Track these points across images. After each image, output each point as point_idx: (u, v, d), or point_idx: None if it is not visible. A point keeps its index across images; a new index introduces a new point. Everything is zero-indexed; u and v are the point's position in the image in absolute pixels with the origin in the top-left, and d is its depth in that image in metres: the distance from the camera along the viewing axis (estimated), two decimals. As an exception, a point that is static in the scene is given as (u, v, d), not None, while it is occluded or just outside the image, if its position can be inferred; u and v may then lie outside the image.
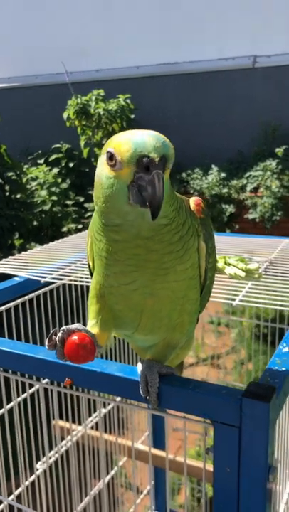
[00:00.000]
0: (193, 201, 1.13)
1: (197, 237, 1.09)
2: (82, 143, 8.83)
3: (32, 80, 10.74)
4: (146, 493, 2.72)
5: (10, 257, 2.13)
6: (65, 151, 10.06)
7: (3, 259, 2.09)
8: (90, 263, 1.20)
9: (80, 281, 1.81)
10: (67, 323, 2.13)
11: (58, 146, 10.12)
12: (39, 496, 1.67)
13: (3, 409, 1.72)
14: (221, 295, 1.60)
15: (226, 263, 1.77)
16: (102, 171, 0.98)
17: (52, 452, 2.10)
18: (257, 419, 0.96)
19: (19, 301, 1.85)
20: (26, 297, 1.88)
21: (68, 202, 9.15)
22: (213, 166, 8.88)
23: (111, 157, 0.94)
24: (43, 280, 1.84)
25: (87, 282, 1.84)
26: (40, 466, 1.91)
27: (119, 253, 1.03)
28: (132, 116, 9.05)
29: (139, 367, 1.11)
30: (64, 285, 2.03)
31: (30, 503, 1.66)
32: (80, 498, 2.00)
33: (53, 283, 1.93)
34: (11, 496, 1.64)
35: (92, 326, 1.14)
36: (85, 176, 10.08)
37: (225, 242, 2.27)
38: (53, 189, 8.82)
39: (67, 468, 1.90)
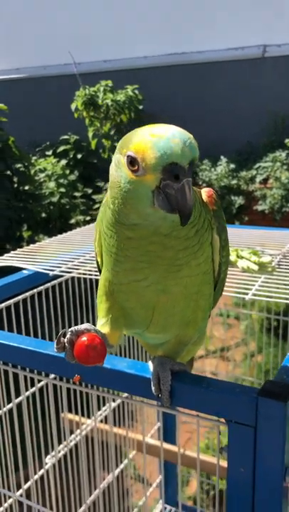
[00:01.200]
0: (205, 192, 1.08)
1: (211, 229, 1.05)
2: (90, 134, 8.78)
3: (40, 70, 10.69)
4: (156, 486, 2.71)
5: (18, 249, 2.11)
6: (73, 143, 10.02)
7: (12, 252, 2.07)
8: (99, 259, 1.16)
9: (89, 275, 1.79)
10: (76, 317, 2.12)
11: (66, 137, 10.07)
12: (48, 489, 1.66)
13: (11, 404, 1.70)
14: (233, 289, 1.57)
15: (238, 256, 1.73)
16: (121, 173, 0.90)
17: (61, 446, 2.08)
18: (273, 419, 0.93)
19: (28, 294, 1.83)
20: (35, 290, 1.86)
21: (76, 194, 9.12)
22: (222, 157, 8.80)
23: (132, 162, 0.86)
24: (51, 273, 1.82)
25: (96, 275, 1.81)
26: (49, 460, 1.90)
27: (132, 250, 0.99)
28: (141, 107, 8.98)
29: (151, 364, 1.08)
30: (73, 278, 2.00)
31: (39, 496, 1.65)
32: (90, 491, 1.98)
33: (61, 276, 1.91)
34: (20, 491, 1.62)
35: (103, 325, 1.10)
36: (93, 168, 10.03)
37: (237, 234, 2.22)
38: (61, 181, 8.79)
39: (76, 462, 1.89)
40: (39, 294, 1.88)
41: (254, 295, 1.51)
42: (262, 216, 8.30)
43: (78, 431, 2.11)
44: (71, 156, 9.89)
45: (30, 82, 10.81)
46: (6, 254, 2.03)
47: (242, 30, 8.85)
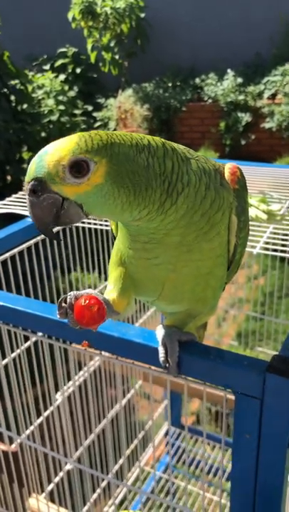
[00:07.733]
0: (228, 169, 1.00)
1: (229, 210, 0.98)
2: (89, 46, 8.28)
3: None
4: (161, 406, 2.87)
5: (20, 192, 2.05)
6: (72, 56, 9.46)
7: (13, 196, 2.01)
8: (113, 227, 1.14)
9: (94, 224, 1.75)
10: (81, 266, 2.10)
11: (63, 50, 9.49)
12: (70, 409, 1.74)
13: (17, 351, 1.73)
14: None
15: (246, 204, 1.68)
16: None
17: (76, 377, 2.16)
18: (280, 393, 0.94)
19: (32, 241, 1.80)
20: (39, 238, 1.83)
21: (76, 111, 8.76)
22: (228, 70, 8.34)
23: None
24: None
25: (100, 226, 1.77)
26: (59, 397, 1.97)
27: (138, 235, 0.97)
28: (142, 16, 8.36)
29: (158, 331, 1.07)
30: (77, 228, 1.96)
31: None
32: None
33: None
34: (28, 431, 1.70)
35: (110, 291, 1.09)
36: (93, 83, 9.55)
37: (246, 173, 2.13)
38: (60, 98, 8.41)
39: (84, 393, 1.96)
40: (43, 242, 1.85)
41: (263, 248, 1.48)
42: (269, 134, 8.03)
43: (92, 362, 2.17)
44: (70, 70, 9.38)
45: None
46: (7, 199, 1.98)
47: None
